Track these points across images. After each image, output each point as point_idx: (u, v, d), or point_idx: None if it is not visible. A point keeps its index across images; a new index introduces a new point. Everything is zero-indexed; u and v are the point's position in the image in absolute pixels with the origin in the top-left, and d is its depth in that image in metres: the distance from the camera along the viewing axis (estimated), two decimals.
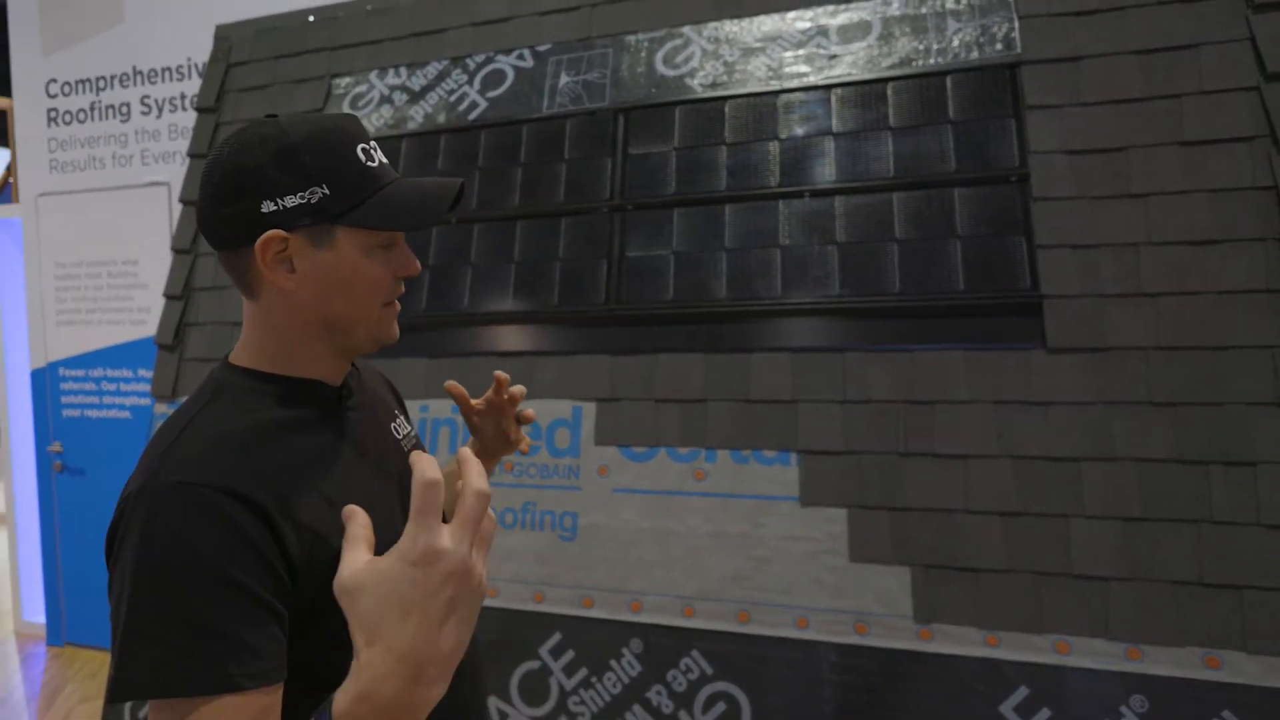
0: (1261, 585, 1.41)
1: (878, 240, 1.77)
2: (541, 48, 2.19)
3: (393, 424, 0.96)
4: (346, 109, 2.36)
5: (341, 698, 0.51)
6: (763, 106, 1.94)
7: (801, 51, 1.95)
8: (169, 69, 3.39)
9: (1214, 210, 1.56)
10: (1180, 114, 1.62)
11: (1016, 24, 1.78)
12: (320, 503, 0.75)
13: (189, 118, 3.26)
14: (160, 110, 3.41)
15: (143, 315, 3.43)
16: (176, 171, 3.27)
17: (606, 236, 1.99)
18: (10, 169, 3.72)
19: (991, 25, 1.81)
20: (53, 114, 3.59)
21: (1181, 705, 1.41)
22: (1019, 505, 1.57)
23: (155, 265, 3.35)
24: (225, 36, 2.63)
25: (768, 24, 2.00)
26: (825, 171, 1.85)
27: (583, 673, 1.77)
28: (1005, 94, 1.76)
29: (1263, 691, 1.37)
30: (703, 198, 1.93)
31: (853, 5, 1.94)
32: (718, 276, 1.87)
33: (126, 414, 3.50)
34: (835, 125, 1.87)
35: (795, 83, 1.92)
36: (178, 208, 2.82)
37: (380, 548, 0.57)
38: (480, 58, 2.25)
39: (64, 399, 3.60)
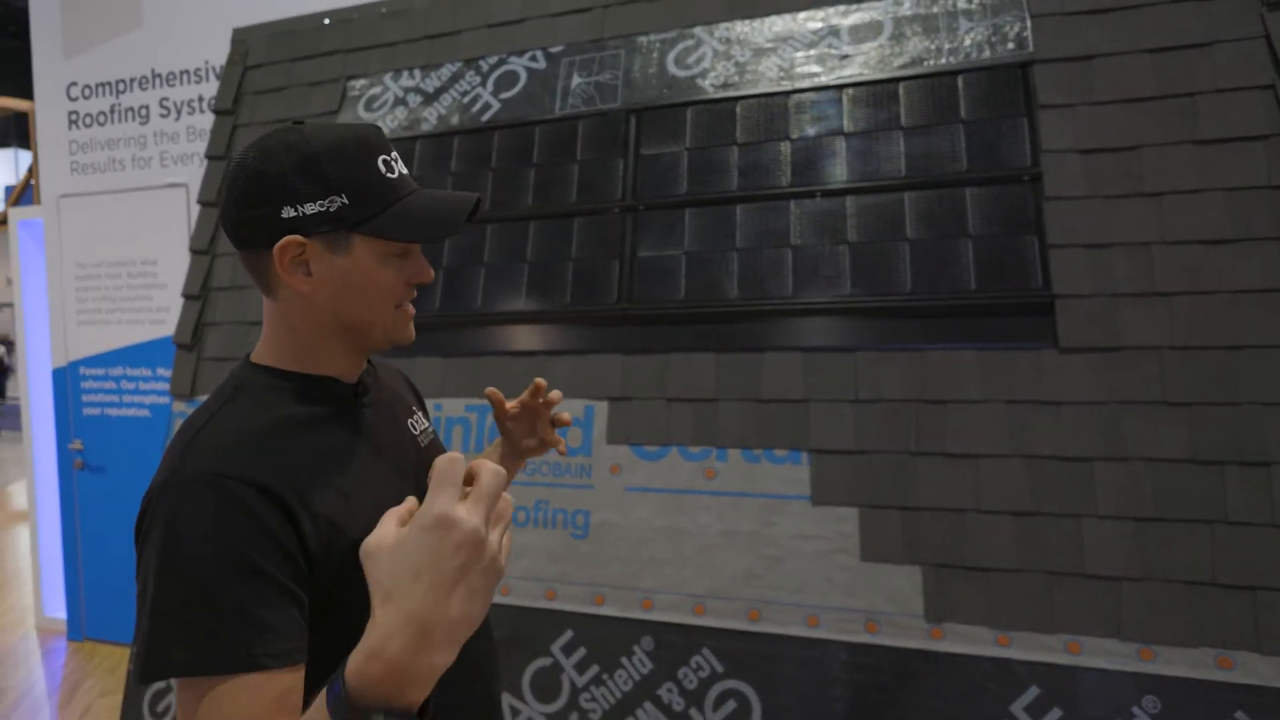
0: (1276, 586, 1.40)
1: (889, 240, 1.78)
2: (554, 49, 2.21)
3: (410, 420, 0.98)
4: (361, 111, 2.38)
5: (354, 656, 0.54)
6: (774, 107, 1.95)
7: (813, 51, 1.95)
8: (187, 72, 3.43)
9: (1228, 209, 1.55)
10: (1194, 112, 1.61)
11: (1029, 23, 1.78)
12: (336, 495, 0.77)
13: (207, 120, 3.30)
14: (178, 112, 3.46)
15: (161, 315, 3.48)
16: (195, 173, 3.31)
17: (618, 237, 2.00)
18: (32, 171, 3.77)
19: (1003, 24, 1.80)
20: (73, 117, 3.64)
21: (1194, 706, 1.40)
22: (1031, 505, 1.56)
23: (174, 265, 3.39)
24: (242, 40, 2.66)
25: (779, 24, 2.00)
26: (837, 171, 1.85)
27: (594, 670, 1.78)
28: (1017, 93, 1.76)
29: (1276, 693, 1.37)
30: (714, 198, 1.94)
31: (864, 5, 1.94)
32: (729, 276, 1.88)
33: (146, 412, 3.55)
34: (847, 125, 1.87)
35: (807, 83, 1.93)
36: (196, 209, 2.86)
37: None
38: (493, 59, 2.27)
39: (84, 397, 3.66)
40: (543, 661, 1.83)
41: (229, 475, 0.71)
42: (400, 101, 2.34)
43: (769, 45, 2.00)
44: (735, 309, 1.85)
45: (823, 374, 1.76)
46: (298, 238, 0.77)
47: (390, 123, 2.33)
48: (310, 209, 0.77)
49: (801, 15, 1.99)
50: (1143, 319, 1.57)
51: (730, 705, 1.68)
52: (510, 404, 1.16)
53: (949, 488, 1.62)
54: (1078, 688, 1.47)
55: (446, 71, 2.32)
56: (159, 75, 3.48)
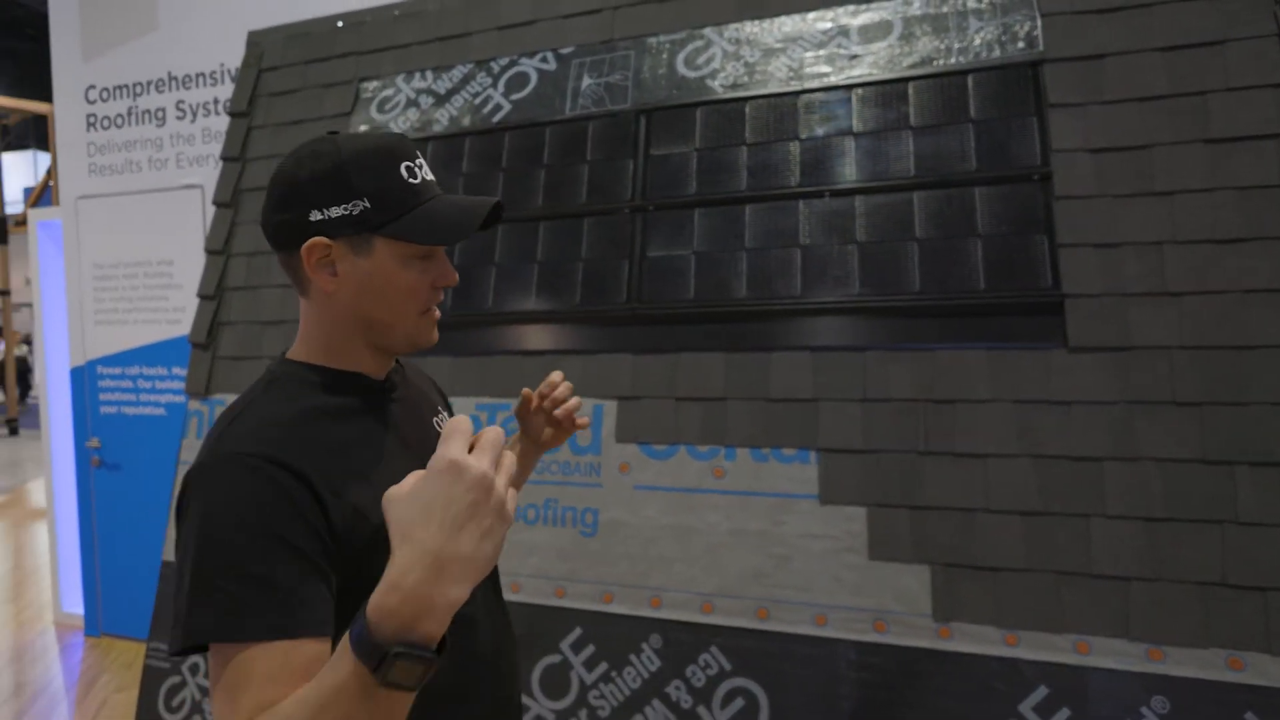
0: None
1: (898, 239, 1.78)
2: (564, 50, 2.22)
3: (435, 419, 1.03)
4: (374, 112, 2.41)
5: (374, 593, 0.58)
6: (783, 107, 1.95)
7: (822, 52, 1.95)
8: (202, 74, 3.47)
9: (1239, 208, 1.55)
10: (1205, 111, 1.60)
11: (1039, 22, 1.77)
12: (361, 483, 0.82)
13: (222, 122, 3.34)
14: (194, 115, 3.50)
15: (177, 315, 3.52)
16: (210, 174, 3.35)
17: (628, 237, 2.02)
18: (51, 172, 3.83)
19: (1013, 24, 1.80)
20: (92, 119, 3.69)
21: (1203, 707, 1.40)
22: (1039, 505, 1.56)
23: (189, 266, 3.43)
24: (257, 42, 2.69)
25: (788, 25, 2.01)
26: (846, 171, 1.86)
27: (603, 667, 1.80)
28: (1027, 92, 1.75)
29: None
30: (723, 198, 1.94)
31: (874, 5, 1.94)
32: (738, 276, 1.88)
33: (161, 411, 3.59)
34: (856, 125, 1.87)
35: (816, 83, 1.93)
36: (211, 210, 2.89)
37: None
38: (504, 61, 2.29)
39: (102, 396, 3.70)
40: (552, 659, 1.84)
41: (261, 456, 0.75)
42: (412, 103, 2.36)
43: (778, 45, 2.00)
44: (744, 309, 1.86)
45: (831, 373, 1.76)
46: (323, 239, 0.82)
47: (402, 124, 2.35)
48: (335, 212, 0.82)
49: (811, 15, 1.99)
50: (1153, 318, 1.56)
51: (738, 703, 1.68)
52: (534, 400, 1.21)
53: (957, 487, 1.62)
54: (1086, 688, 1.46)
55: (458, 73, 2.34)
56: (175, 78, 3.52)
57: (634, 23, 2.16)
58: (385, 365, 0.93)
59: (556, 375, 1.20)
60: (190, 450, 2.39)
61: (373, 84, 2.45)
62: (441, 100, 2.33)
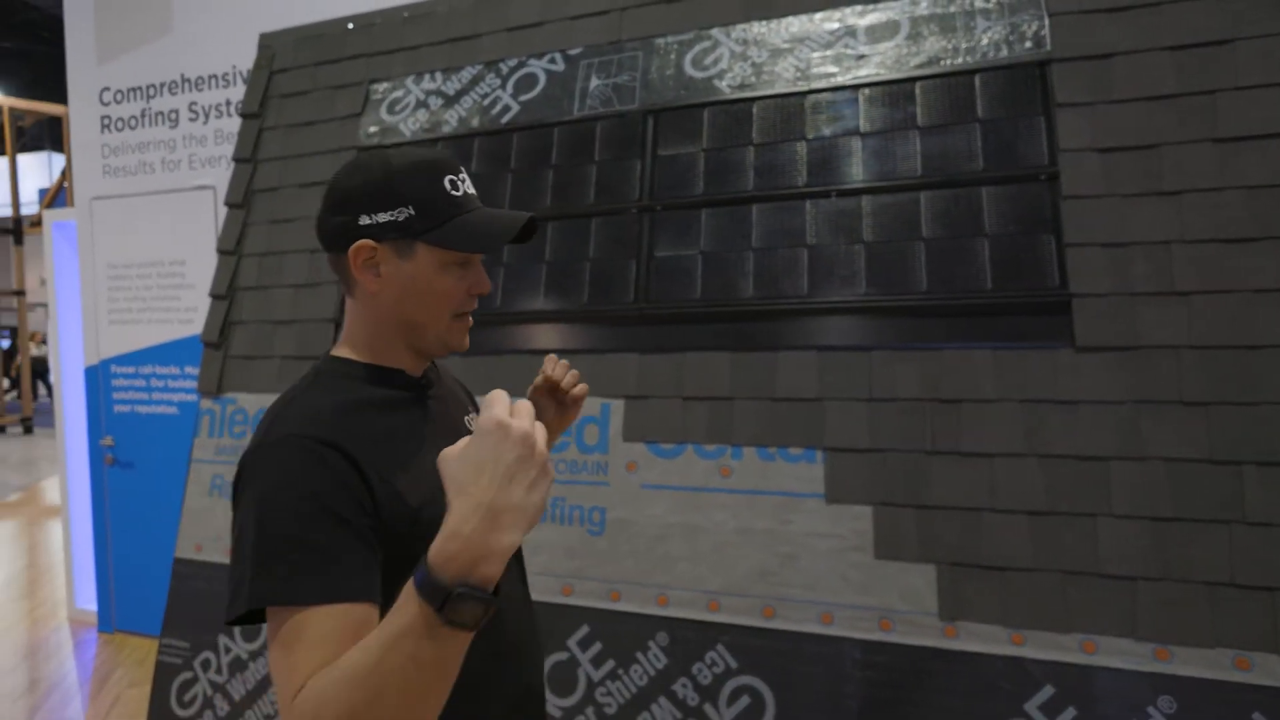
0: None
1: (905, 239, 1.78)
2: (572, 51, 2.23)
3: (466, 418, 1.09)
4: (384, 113, 2.42)
5: (436, 540, 0.65)
6: (790, 107, 1.96)
7: (829, 52, 1.96)
8: (215, 76, 3.50)
9: (1248, 207, 1.54)
10: (1214, 110, 1.60)
11: (1046, 21, 1.77)
12: (400, 468, 0.87)
13: (234, 123, 3.37)
14: (207, 116, 3.53)
15: (190, 314, 3.55)
16: (222, 175, 3.38)
17: (635, 237, 2.02)
18: (66, 174, 3.87)
19: (1021, 23, 1.80)
20: (106, 121, 3.73)
21: (1210, 707, 1.39)
22: (1046, 504, 1.56)
23: (201, 266, 3.47)
24: (268, 44, 2.72)
25: (796, 25, 2.01)
26: (853, 171, 1.86)
27: (610, 664, 1.80)
28: (1035, 92, 1.75)
29: None
30: (730, 198, 1.95)
31: (881, 5, 1.94)
32: (745, 276, 1.89)
33: (174, 409, 3.63)
34: (863, 125, 1.88)
35: (823, 83, 1.93)
36: (223, 210, 2.92)
37: None
38: (513, 62, 2.30)
39: (115, 395, 3.74)
40: (559, 656, 1.85)
41: (312, 438, 0.82)
42: (422, 104, 2.38)
43: (786, 46, 2.01)
44: (751, 308, 1.87)
45: (838, 373, 1.76)
46: (370, 242, 0.89)
47: (412, 125, 2.37)
48: (382, 218, 0.89)
49: (818, 16, 2.00)
50: (1160, 318, 1.56)
51: (744, 701, 1.69)
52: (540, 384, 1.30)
53: (964, 486, 1.62)
54: (1092, 687, 1.46)
55: (467, 74, 2.35)
56: (188, 80, 3.55)
57: (642, 24, 2.17)
58: (422, 365, 1.00)
59: (548, 362, 1.28)
60: (202, 448, 2.41)
61: (383, 85, 2.47)
62: (451, 101, 2.35)
